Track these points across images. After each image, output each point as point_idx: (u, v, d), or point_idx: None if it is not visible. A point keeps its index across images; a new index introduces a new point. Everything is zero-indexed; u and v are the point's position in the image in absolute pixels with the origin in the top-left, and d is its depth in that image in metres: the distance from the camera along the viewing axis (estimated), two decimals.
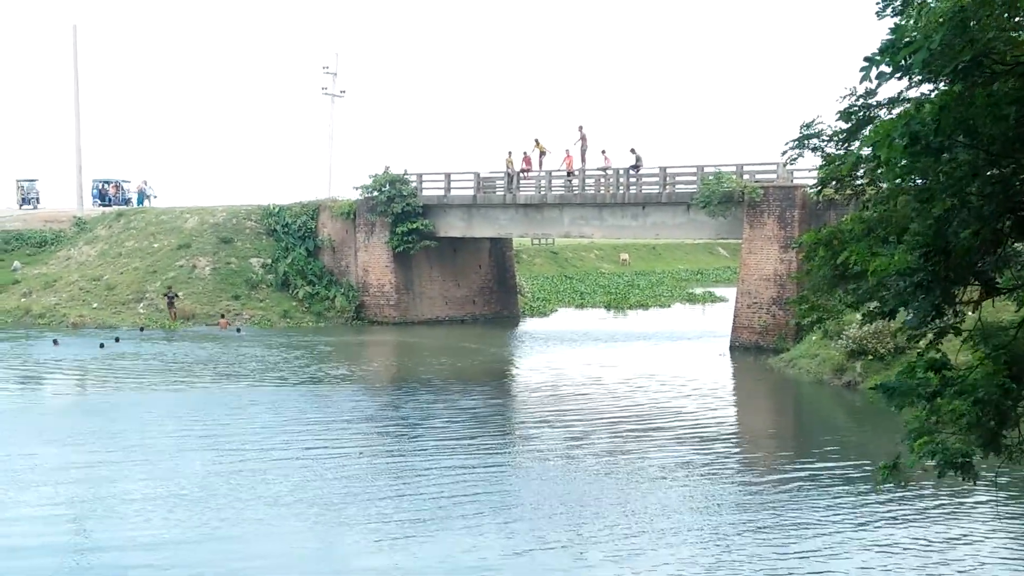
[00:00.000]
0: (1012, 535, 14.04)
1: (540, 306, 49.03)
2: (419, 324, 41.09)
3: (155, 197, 55.73)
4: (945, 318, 8.02)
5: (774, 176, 33.43)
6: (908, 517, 14.56)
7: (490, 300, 45.06)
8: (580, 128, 38.71)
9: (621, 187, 36.87)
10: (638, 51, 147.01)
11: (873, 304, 8.51)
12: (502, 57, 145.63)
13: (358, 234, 42.38)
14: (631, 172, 36.84)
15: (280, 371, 28.56)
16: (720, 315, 43.38)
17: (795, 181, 33.04)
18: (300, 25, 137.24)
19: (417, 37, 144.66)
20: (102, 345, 32.86)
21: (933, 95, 7.72)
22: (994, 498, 15.40)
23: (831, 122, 9.80)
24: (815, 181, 15.04)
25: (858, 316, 13.86)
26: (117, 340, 34.03)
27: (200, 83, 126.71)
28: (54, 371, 28.62)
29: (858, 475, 16.96)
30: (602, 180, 37.54)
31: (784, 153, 10.71)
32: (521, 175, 39.33)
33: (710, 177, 33.99)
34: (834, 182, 10.45)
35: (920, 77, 7.56)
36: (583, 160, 38.54)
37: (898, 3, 7.98)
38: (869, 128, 8.79)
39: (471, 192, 40.38)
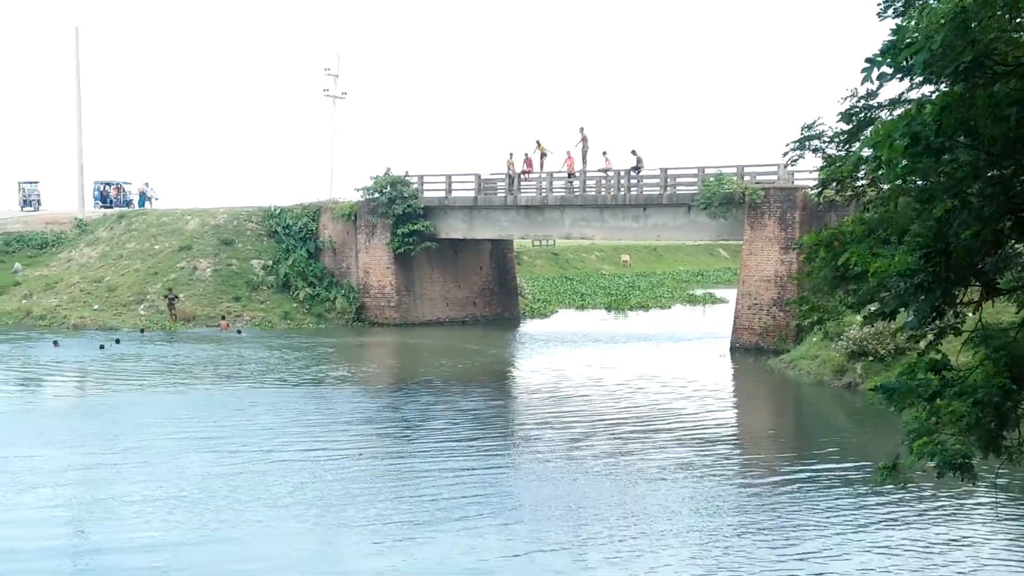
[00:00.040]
0: (1012, 536, 14.02)
1: (541, 307, 48.97)
2: (420, 325, 41.07)
3: (156, 199, 55.85)
4: (945, 319, 8.02)
5: (775, 177, 33.41)
6: (908, 518, 14.55)
7: (491, 301, 45.03)
8: (581, 129, 38.75)
9: (622, 188, 36.86)
10: (639, 53, 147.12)
11: (874, 305, 8.50)
12: (503, 59, 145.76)
13: (359, 236, 42.37)
14: (632, 173, 36.84)
15: (280, 372, 28.56)
16: (720, 316, 43.37)
17: (796, 182, 33.02)
18: (302, 27, 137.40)
19: (418, 39, 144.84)
20: (102, 347, 32.87)
21: (934, 96, 7.73)
22: (994, 499, 15.38)
23: (832, 123, 9.81)
24: (816, 182, 15.02)
25: (859, 317, 13.85)
26: (118, 342, 34.04)
27: (202, 85, 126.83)
28: (54, 373, 28.63)
29: (858, 476, 16.94)
30: (603, 181, 37.52)
31: (785, 154, 10.72)
32: (522, 176, 39.32)
33: (711, 178, 33.98)
34: (835, 183, 10.44)
35: (921, 78, 7.56)
36: (584, 161, 38.53)
37: (899, 4, 7.99)
38: (870, 129, 8.79)
39: (472, 194, 40.37)
